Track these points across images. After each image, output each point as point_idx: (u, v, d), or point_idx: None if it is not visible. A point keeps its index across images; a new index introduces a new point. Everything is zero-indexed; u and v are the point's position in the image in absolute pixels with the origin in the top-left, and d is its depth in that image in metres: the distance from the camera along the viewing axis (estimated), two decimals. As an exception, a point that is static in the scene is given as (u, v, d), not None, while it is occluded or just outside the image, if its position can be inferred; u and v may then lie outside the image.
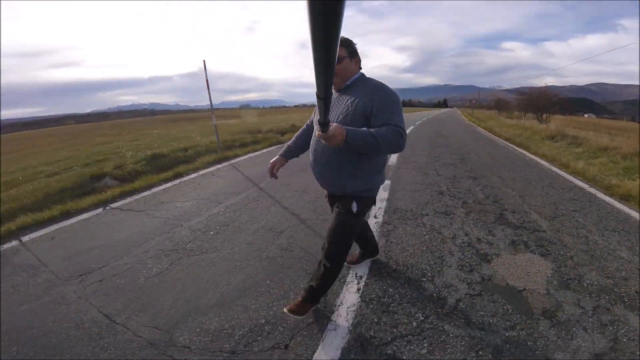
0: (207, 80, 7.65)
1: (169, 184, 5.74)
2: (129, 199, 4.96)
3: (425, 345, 1.92)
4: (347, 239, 1.91)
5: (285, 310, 2.07)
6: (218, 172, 6.51)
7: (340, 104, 1.73)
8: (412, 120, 21.91)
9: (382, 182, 1.93)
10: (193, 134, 12.81)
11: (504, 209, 4.07)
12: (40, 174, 7.05)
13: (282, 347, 1.92)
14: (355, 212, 1.82)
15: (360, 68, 1.81)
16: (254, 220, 3.83)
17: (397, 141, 1.50)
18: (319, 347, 1.91)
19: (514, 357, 1.82)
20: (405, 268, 2.74)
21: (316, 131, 1.35)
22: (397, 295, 2.38)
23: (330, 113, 1.73)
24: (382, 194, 4.66)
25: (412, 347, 1.91)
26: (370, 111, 1.61)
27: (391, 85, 1.74)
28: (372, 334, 2.02)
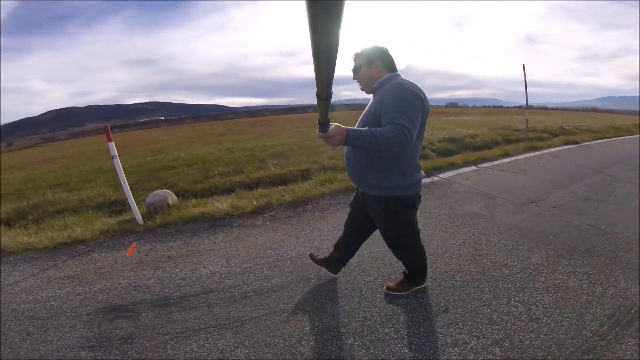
0: (525, 82, 8.13)
1: (507, 159, 6.54)
2: (485, 164, 6.03)
3: None
4: (399, 238, 1.90)
5: (385, 289, 2.19)
6: (545, 157, 6.92)
7: (369, 106, 1.70)
8: None
9: (409, 181, 1.69)
10: (449, 125, 13.47)
11: None
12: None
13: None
14: (387, 212, 1.75)
15: (393, 70, 1.69)
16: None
17: (400, 141, 1.36)
18: None
19: None
20: None
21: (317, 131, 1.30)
22: None
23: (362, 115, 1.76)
24: None
25: None
26: (380, 111, 1.52)
27: None
28: None
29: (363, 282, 2.31)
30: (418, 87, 1.54)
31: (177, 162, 7.90)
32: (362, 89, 1.74)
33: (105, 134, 3.28)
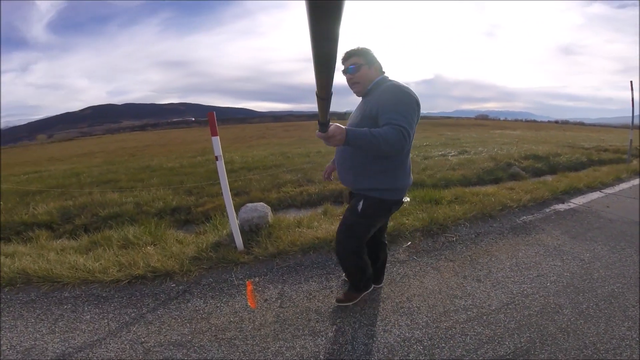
0: (632, 99, 7.02)
1: (624, 185, 5.38)
2: (608, 190, 4.89)
3: None
4: (351, 238, 1.72)
5: (335, 301, 1.98)
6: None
7: (361, 108, 1.62)
8: None
9: (396, 185, 1.58)
10: (509, 140, 12.23)
11: None
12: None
13: None
14: (359, 210, 1.62)
15: (383, 73, 1.63)
16: None
17: (399, 141, 1.31)
18: None
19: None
20: None
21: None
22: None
23: (351, 117, 1.68)
24: None
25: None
26: (376, 112, 1.45)
27: None
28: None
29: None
30: (411, 89, 1.49)
31: (233, 165, 6.99)
32: (356, 90, 1.62)
33: (209, 124, 2.26)
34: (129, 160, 10.38)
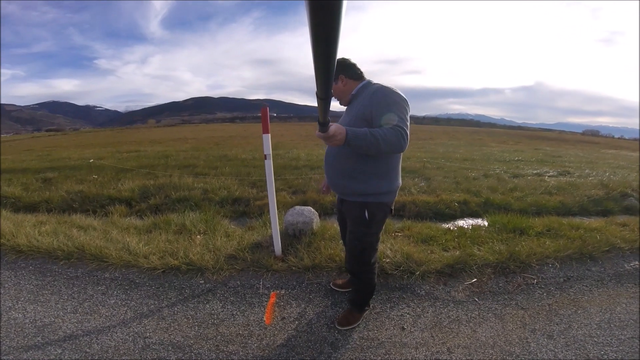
0: None
1: None
2: None
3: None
4: (366, 250, 1.64)
5: (336, 325, 1.81)
6: None
7: (349, 111, 1.57)
8: None
9: (392, 187, 1.56)
10: (629, 164, 9.98)
11: None
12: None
13: None
14: (366, 219, 1.55)
15: (362, 79, 1.58)
16: None
17: (398, 141, 1.31)
18: None
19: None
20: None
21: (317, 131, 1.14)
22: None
23: (341, 122, 1.59)
24: None
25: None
26: (370, 114, 1.42)
27: None
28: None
29: None
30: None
31: (298, 161, 7.06)
32: (339, 103, 1.65)
33: (262, 120, 2.16)
34: (212, 148, 11.33)
